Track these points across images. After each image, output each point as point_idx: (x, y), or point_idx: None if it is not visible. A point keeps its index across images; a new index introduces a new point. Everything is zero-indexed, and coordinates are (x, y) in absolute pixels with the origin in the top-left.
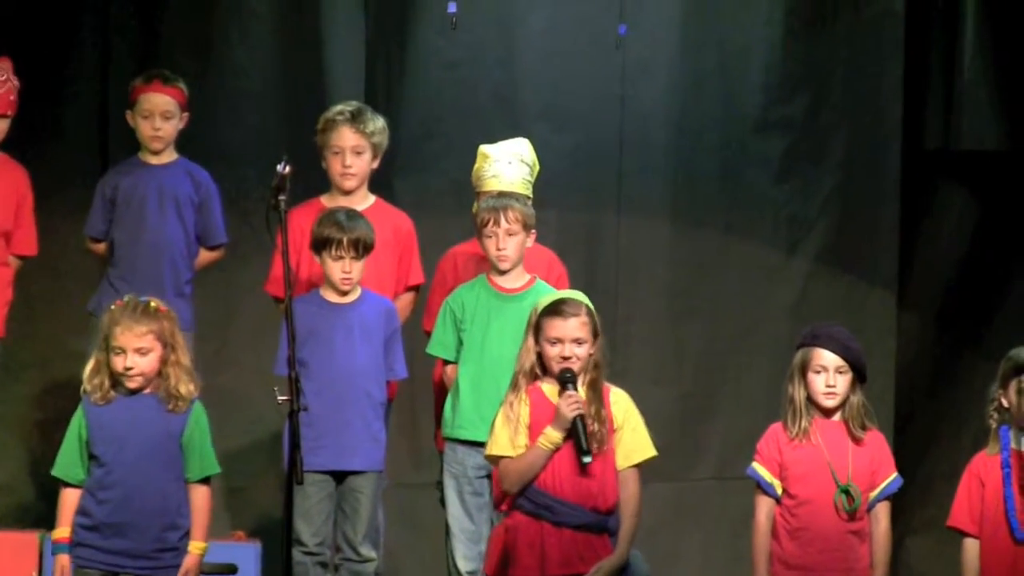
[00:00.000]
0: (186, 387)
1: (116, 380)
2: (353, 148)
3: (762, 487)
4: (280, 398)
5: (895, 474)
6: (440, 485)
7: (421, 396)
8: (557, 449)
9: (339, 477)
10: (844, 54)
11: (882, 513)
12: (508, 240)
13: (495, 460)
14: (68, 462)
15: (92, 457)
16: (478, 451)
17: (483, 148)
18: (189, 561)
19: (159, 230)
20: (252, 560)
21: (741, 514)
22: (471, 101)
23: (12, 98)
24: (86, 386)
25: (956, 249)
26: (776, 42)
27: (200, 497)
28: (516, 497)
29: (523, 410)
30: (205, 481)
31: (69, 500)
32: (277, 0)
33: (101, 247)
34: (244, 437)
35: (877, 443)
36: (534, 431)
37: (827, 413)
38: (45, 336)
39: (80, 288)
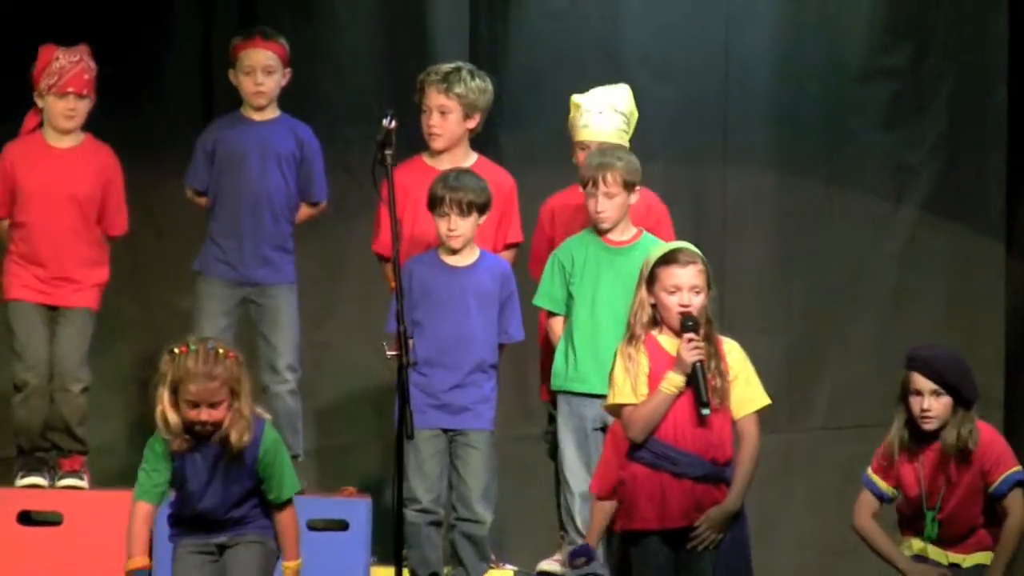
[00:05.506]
0: (242, 437)
1: (186, 426)
2: (438, 108)
3: (874, 494)
4: (389, 352)
5: (1013, 469)
6: (546, 436)
7: (529, 349)
8: (681, 394)
9: (451, 437)
10: (949, 1)
11: (1014, 504)
12: (607, 202)
13: (617, 409)
14: (157, 488)
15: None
16: (595, 403)
17: (575, 98)
18: None
19: (260, 186)
20: (363, 516)
21: (849, 464)
22: (574, 52)
23: (87, 77)
24: (164, 435)
25: None
26: None
27: (285, 518)
28: (636, 448)
29: (642, 359)
30: (287, 502)
31: (147, 522)
32: None
33: (203, 200)
34: (350, 394)
35: (984, 451)
36: (653, 380)
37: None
38: (150, 294)
39: (184, 246)
